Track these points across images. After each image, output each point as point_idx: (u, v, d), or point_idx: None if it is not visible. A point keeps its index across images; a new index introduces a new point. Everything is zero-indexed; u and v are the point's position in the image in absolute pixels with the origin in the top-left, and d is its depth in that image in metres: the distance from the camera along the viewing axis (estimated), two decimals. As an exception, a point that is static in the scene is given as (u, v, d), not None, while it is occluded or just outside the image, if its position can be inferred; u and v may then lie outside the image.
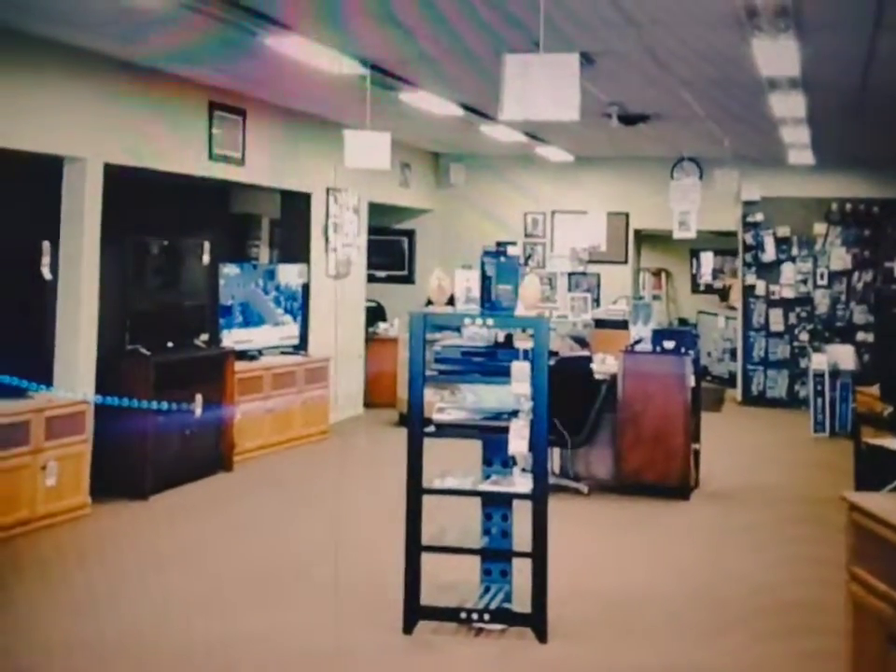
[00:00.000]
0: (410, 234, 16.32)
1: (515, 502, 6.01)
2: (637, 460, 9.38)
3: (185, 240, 10.23)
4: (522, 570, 5.92)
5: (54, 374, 8.54)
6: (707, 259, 20.03)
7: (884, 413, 8.66)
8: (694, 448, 9.62)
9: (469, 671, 5.51)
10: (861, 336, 14.92)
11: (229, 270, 11.00)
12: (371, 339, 14.32)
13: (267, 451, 10.89)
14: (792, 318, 15.36)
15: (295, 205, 12.56)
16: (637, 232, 16.35)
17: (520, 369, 5.69)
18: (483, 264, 6.04)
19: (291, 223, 12.71)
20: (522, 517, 5.94)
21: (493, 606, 5.89)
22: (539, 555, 5.75)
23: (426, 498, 5.84)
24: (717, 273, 20.10)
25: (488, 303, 5.96)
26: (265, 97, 11.13)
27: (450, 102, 10.45)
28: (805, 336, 15.26)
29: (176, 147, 9.84)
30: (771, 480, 10.44)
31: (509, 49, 6.01)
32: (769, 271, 15.45)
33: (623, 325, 12.55)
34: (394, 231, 16.22)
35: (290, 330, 11.96)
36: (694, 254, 20.13)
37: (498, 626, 5.88)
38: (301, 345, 12.11)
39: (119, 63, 8.89)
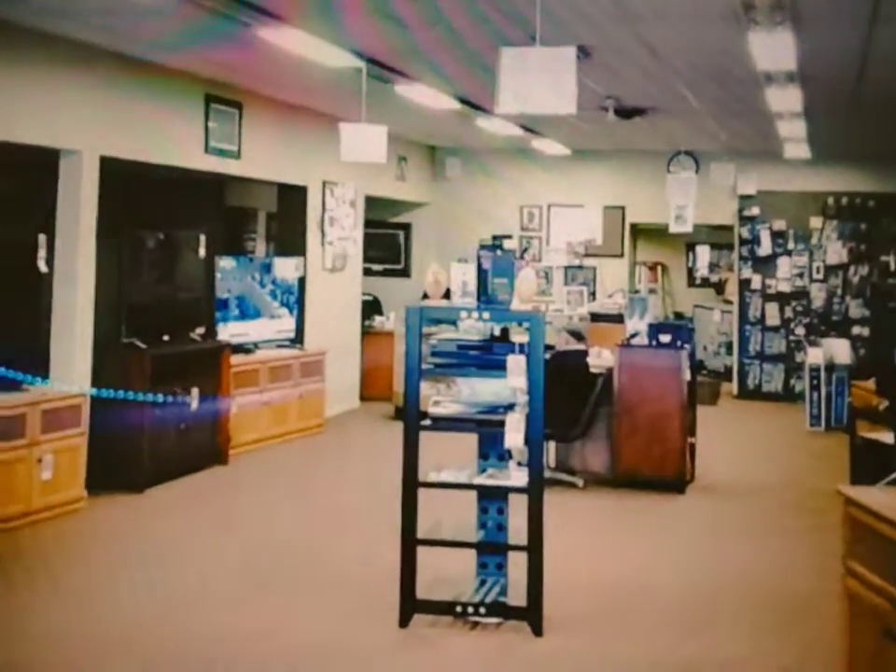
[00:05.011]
0: (406, 228, 16.30)
1: (511, 496, 6.02)
2: (632, 454, 9.38)
3: (181, 233, 10.21)
4: (518, 564, 5.92)
5: (50, 367, 8.52)
6: (704, 253, 20.10)
7: (879, 407, 8.66)
8: (690, 442, 9.62)
9: (465, 665, 5.51)
10: (856, 330, 14.94)
11: (225, 263, 10.98)
12: (366, 332, 14.31)
13: (263, 444, 10.89)
14: (788, 312, 15.36)
15: (291, 198, 12.55)
16: (633, 226, 16.33)
17: (516, 362, 5.69)
18: (479, 258, 6.04)
19: (287, 216, 12.70)
20: (518, 511, 5.95)
21: (489, 600, 5.89)
22: (534, 549, 5.76)
23: (421, 492, 5.84)
24: (713, 266, 20.14)
25: (484, 297, 5.96)
26: (261, 90, 11.12)
27: (446, 95, 10.43)
28: (800, 330, 15.26)
29: (173, 139, 9.83)
30: (766, 474, 10.45)
31: (505, 43, 5.99)
32: (765, 265, 15.45)
33: (619, 319, 12.61)
34: (390, 224, 16.19)
35: (286, 324, 11.95)
36: (691, 248, 20.15)
37: (494, 620, 5.88)
38: (297, 339, 12.10)
39: (115, 55, 8.88)
